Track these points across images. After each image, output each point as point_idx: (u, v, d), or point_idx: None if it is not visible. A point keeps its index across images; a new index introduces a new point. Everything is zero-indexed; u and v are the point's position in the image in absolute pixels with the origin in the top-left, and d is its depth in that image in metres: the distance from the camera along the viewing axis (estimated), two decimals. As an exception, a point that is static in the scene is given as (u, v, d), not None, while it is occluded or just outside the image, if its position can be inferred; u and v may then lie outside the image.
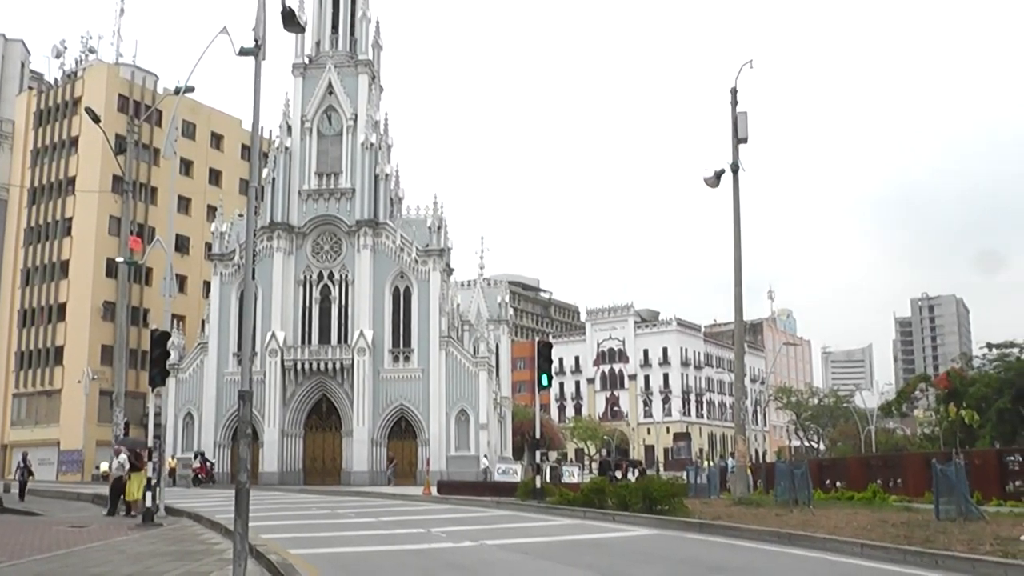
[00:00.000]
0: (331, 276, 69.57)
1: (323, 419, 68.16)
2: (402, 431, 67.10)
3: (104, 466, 58.38)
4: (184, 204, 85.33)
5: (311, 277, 69.83)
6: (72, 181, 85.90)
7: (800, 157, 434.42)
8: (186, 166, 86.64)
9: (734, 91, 34.42)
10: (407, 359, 67.67)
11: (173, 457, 65.58)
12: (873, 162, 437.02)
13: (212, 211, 79.24)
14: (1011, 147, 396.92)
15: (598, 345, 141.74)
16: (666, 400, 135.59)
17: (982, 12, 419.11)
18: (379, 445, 66.15)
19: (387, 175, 70.63)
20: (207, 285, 77.91)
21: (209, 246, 77.62)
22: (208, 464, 65.69)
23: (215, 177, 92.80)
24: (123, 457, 29.53)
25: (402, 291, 68.92)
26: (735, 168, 33.66)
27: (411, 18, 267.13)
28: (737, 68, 34.70)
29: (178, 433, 68.87)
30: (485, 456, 64.37)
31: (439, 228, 69.49)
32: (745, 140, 33.80)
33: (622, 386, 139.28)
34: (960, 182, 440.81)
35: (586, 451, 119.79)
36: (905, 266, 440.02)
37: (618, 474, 55.56)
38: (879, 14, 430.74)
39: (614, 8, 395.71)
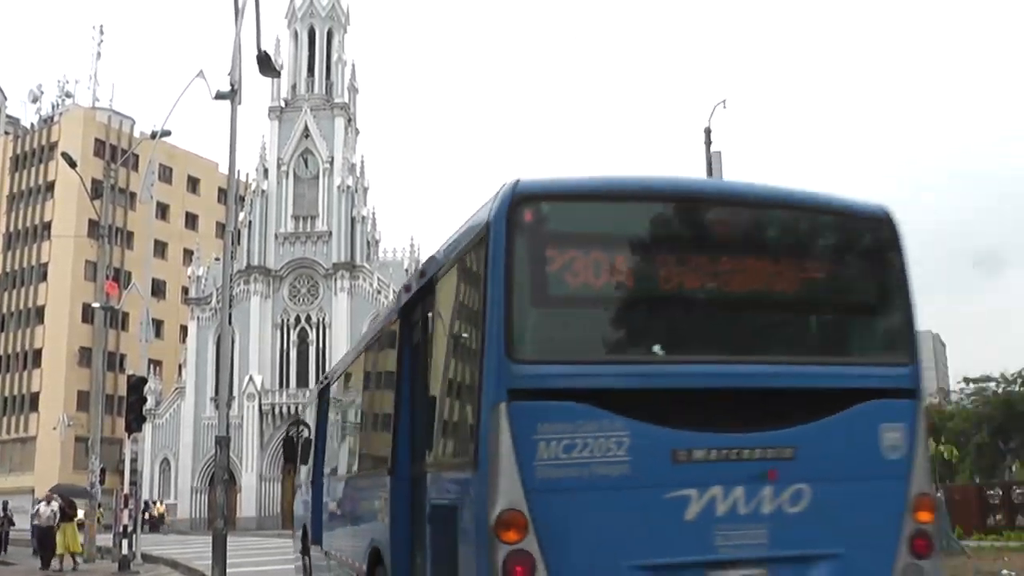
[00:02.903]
0: (308, 319, 69.35)
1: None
2: (381, 474, 66.54)
3: (80, 514, 57.62)
4: (161, 248, 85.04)
5: (288, 320, 69.59)
6: (48, 226, 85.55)
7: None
8: (163, 210, 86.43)
9: (708, 131, 34.59)
10: (386, 401, 67.27)
11: (161, 502, 65.23)
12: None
13: (189, 255, 79.05)
14: (973, 183, 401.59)
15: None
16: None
17: (948, 50, 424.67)
18: (358, 488, 65.53)
19: (364, 218, 70.63)
20: (184, 329, 77.49)
21: (186, 290, 77.30)
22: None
23: (192, 221, 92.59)
24: (55, 505, 26.60)
25: (380, 333, 68.71)
26: (711, 207, 33.78)
27: (388, 60, 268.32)
28: (711, 108, 34.94)
29: (155, 479, 68.22)
30: None
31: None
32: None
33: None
34: (930, 218, 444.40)
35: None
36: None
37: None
38: (847, 57, 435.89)
39: (591, 50, 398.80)
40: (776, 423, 5.81)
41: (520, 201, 5.70)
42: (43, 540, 26.50)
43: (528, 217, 5.69)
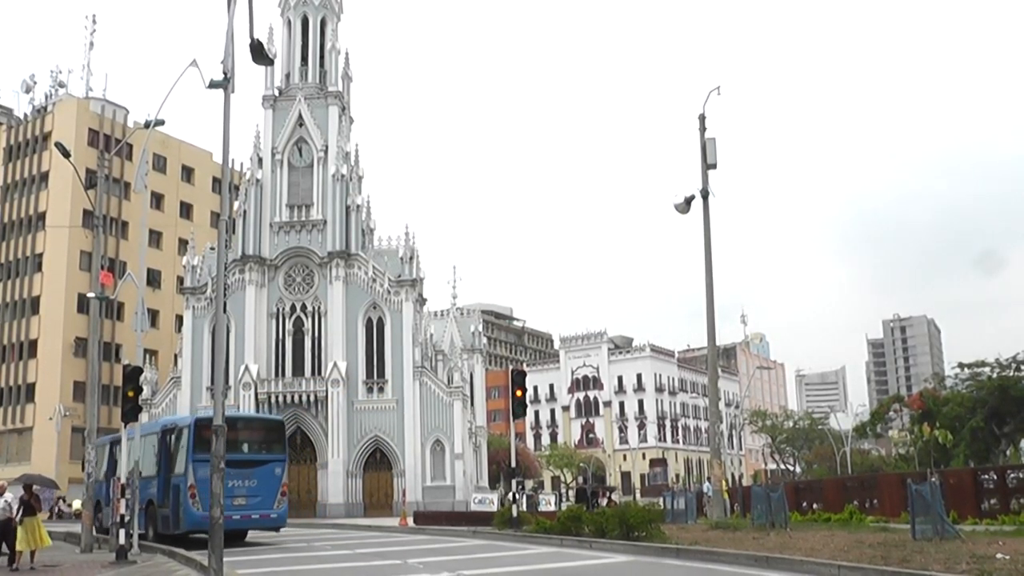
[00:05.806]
0: (304, 308, 69.33)
1: (297, 452, 67.49)
2: (377, 462, 66.73)
3: (76, 503, 57.69)
4: (155, 238, 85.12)
5: (284, 309, 69.56)
6: (42, 216, 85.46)
7: (770, 182, 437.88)
8: (157, 200, 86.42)
9: (702, 117, 34.65)
10: (381, 390, 67.39)
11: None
12: (842, 187, 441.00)
13: (183, 244, 78.96)
14: (970, 173, 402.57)
15: (572, 372, 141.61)
16: (641, 426, 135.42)
17: (943, 46, 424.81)
18: (354, 477, 65.78)
19: (358, 206, 70.52)
20: (179, 319, 77.47)
21: (181, 280, 77.21)
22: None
23: (186, 210, 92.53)
24: (9, 496, 23.99)
25: (375, 322, 68.74)
26: (705, 194, 33.81)
27: (382, 49, 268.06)
28: (705, 95, 34.94)
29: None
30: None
31: (411, 258, 69.40)
32: (714, 166, 33.96)
33: (597, 413, 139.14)
34: (926, 205, 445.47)
35: (562, 479, 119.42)
36: (876, 288, 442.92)
37: (602, 501, 55.15)
38: (845, 44, 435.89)
39: (584, 37, 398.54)
40: (251, 466, 32.49)
41: (196, 420, 32.36)
42: (2, 535, 23.91)
43: (197, 424, 31.35)
